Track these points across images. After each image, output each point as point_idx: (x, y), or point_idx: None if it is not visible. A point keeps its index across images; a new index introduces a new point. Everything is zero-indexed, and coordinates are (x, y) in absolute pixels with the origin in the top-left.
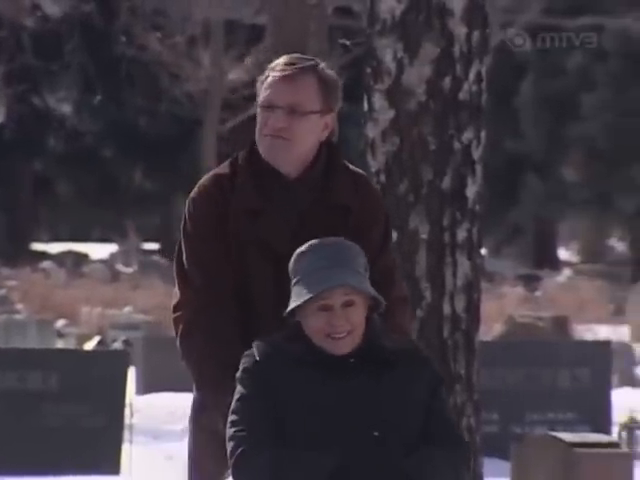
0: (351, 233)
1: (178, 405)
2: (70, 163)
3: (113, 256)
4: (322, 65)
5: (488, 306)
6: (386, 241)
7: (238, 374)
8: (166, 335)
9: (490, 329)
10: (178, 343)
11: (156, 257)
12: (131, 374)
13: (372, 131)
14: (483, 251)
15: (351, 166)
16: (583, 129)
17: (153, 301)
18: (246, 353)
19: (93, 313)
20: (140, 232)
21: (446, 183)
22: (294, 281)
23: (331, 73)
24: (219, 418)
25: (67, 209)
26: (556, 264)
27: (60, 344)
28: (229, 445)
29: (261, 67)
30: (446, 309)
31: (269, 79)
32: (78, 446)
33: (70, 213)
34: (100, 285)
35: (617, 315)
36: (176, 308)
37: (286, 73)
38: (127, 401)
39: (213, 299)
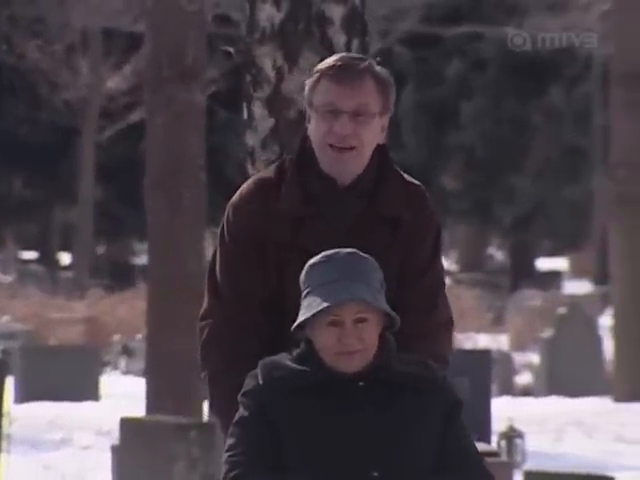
0: (399, 247)
1: (56, 414)
2: None
3: None
4: (374, 63)
5: None
6: (435, 259)
7: (239, 396)
8: (44, 344)
9: None
10: (199, 356)
11: (34, 266)
12: (9, 383)
13: (252, 139)
14: None
15: (406, 175)
16: (462, 138)
17: (31, 310)
18: (250, 374)
19: None
20: (18, 241)
21: None
22: (304, 293)
23: (384, 71)
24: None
25: None
26: None
27: None
28: (223, 469)
29: (139, 75)
30: None
31: (324, 82)
32: None
33: None
34: None
35: (496, 324)
36: (202, 317)
37: (346, 76)
38: (5, 410)
39: (239, 313)
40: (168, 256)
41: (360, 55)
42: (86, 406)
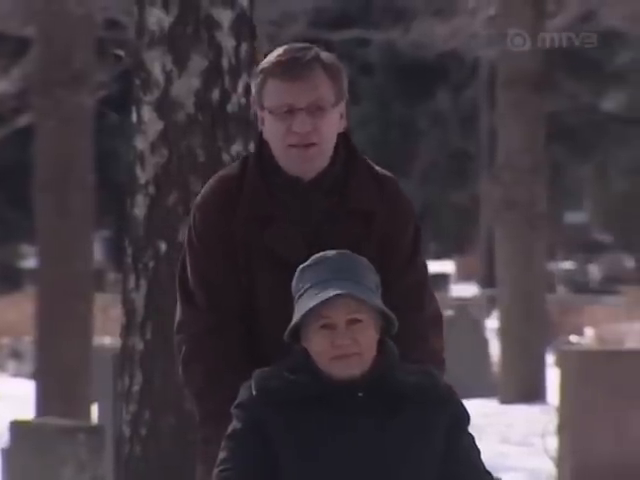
0: (375, 243)
1: None
2: None
3: None
4: (319, 51)
5: None
6: (415, 254)
7: (233, 408)
8: None
9: None
10: (180, 370)
11: None
12: None
13: (141, 143)
14: None
15: (377, 167)
16: None
17: None
18: (244, 385)
19: None
20: None
21: None
22: (295, 298)
23: (331, 57)
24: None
25: None
26: None
27: None
28: None
29: (28, 79)
30: None
31: (273, 82)
32: None
33: None
34: None
35: None
36: (178, 329)
37: (296, 71)
38: None
39: (218, 323)
40: (57, 259)
41: (304, 44)
42: None
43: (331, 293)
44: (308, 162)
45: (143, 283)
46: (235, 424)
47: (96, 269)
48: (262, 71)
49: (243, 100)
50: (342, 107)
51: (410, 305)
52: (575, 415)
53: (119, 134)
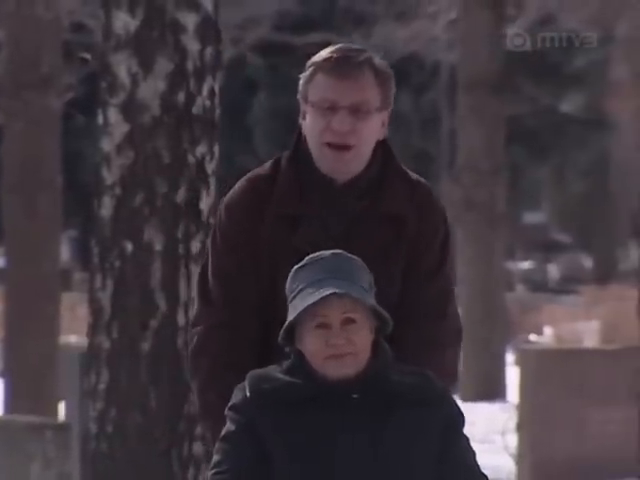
0: (405, 249)
1: None
2: None
3: None
4: (373, 55)
5: None
6: (444, 261)
7: (226, 410)
8: None
9: None
10: (188, 362)
11: None
12: None
13: (107, 145)
14: None
15: (410, 172)
16: None
17: None
18: (238, 386)
19: None
20: None
21: (180, 196)
22: (289, 299)
23: (384, 63)
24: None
25: None
26: None
27: None
28: None
29: None
30: (180, 319)
31: (320, 76)
32: None
33: None
34: None
35: None
36: (193, 324)
37: (344, 69)
38: None
39: (229, 318)
40: (25, 259)
41: (358, 46)
42: None
43: (328, 291)
44: (342, 164)
45: (109, 283)
46: (229, 426)
47: (63, 269)
48: (312, 64)
49: (208, 102)
50: (385, 115)
51: (433, 313)
52: (534, 413)
53: (86, 136)
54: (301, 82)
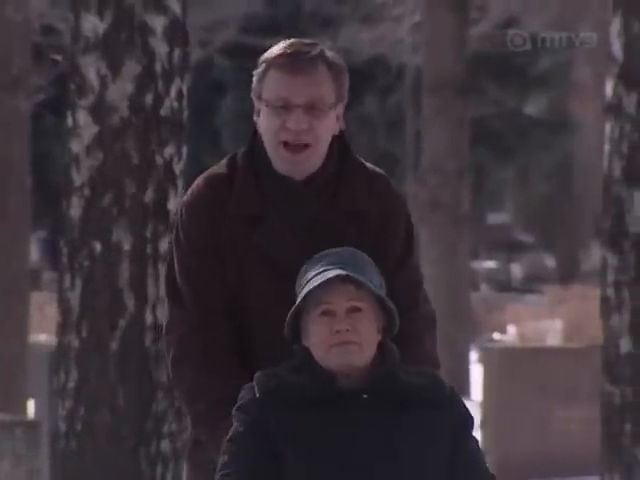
0: (368, 243)
1: None
2: None
3: None
4: (325, 48)
5: None
6: (410, 253)
7: (234, 410)
8: None
9: None
10: (169, 371)
11: None
12: None
13: (76, 146)
14: None
15: (369, 164)
16: None
17: None
18: (245, 387)
19: None
20: None
21: (148, 196)
22: (299, 291)
23: (336, 56)
24: (215, 455)
25: None
26: None
27: None
28: None
29: None
30: (148, 319)
31: (273, 73)
32: None
33: None
34: None
35: None
36: (168, 330)
37: (297, 65)
38: None
39: (205, 322)
40: None
41: (310, 40)
42: None
43: (331, 274)
44: (299, 165)
45: (78, 283)
46: (236, 427)
47: (32, 269)
48: (264, 61)
49: (176, 104)
50: (340, 108)
51: (405, 305)
52: (498, 410)
53: (55, 137)
54: (254, 79)
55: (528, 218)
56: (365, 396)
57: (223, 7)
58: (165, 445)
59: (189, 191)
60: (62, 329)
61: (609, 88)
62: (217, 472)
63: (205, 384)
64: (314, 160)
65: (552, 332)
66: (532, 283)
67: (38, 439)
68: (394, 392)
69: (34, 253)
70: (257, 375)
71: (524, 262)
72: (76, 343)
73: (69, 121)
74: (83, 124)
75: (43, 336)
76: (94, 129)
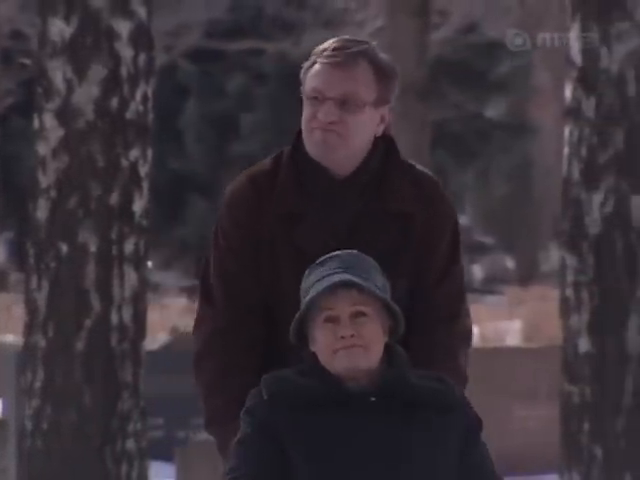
0: (412, 248)
1: None
2: None
3: None
4: (376, 48)
5: (153, 316)
6: (455, 261)
7: (242, 413)
8: None
9: (155, 338)
10: (192, 366)
11: None
12: None
13: (43, 149)
14: (150, 264)
15: (419, 167)
16: (243, 148)
17: None
18: (252, 390)
19: None
20: None
21: (114, 199)
22: (302, 297)
23: (386, 58)
24: (225, 459)
25: None
26: None
27: None
28: None
29: None
30: (114, 319)
31: (316, 66)
32: None
33: None
34: None
35: None
36: (195, 326)
37: (336, 59)
38: None
39: (232, 321)
40: None
41: (362, 39)
42: None
43: (334, 279)
44: (327, 148)
45: (45, 284)
46: (245, 429)
47: None
48: (313, 54)
49: (141, 107)
50: (385, 110)
51: (444, 317)
52: None
53: (23, 139)
54: (302, 72)
55: (488, 220)
56: (373, 399)
57: (187, 12)
58: (130, 444)
59: (230, 187)
60: (29, 329)
61: (568, 92)
62: (226, 474)
63: (225, 381)
64: (345, 152)
65: (512, 332)
66: (492, 284)
67: (5, 438)
68: (403, 394)
69: (1, 254)
70: (265, 377)
71: (484, 263)
72: (43, 343)
73: (36, 124)
74: (49, 127)
75: (10, 336)
76: (60, 132)
